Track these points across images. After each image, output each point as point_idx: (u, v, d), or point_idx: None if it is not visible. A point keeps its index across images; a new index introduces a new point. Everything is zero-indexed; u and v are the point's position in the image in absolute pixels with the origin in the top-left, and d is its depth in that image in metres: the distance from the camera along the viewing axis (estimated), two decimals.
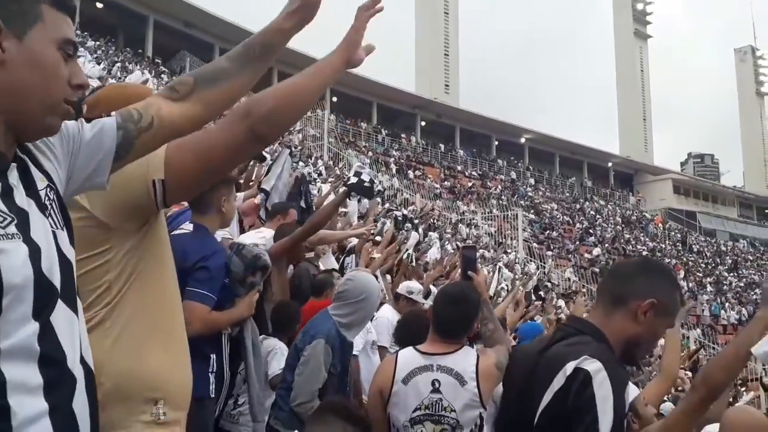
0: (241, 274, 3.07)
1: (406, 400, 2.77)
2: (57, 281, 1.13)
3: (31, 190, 1.15)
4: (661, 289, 1.83)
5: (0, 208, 1.07)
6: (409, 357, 2.87)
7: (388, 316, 5.27)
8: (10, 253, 1.04)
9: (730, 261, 40.50)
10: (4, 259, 1.03)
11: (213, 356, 2.84)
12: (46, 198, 1.18)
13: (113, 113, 1.39)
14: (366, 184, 4.40)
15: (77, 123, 1.31)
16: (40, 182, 1.19)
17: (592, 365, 1.66)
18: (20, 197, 1.11)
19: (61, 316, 1.13)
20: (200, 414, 2.70)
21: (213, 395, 2.83)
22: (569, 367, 1.67)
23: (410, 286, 5.55)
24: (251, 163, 6.49)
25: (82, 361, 1.17)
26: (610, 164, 51.74)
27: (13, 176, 1.12)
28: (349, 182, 4.47)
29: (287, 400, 3.35)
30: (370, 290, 3.60)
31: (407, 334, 3.51)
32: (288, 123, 1.64)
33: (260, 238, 4.26)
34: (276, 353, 3.88)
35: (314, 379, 3.32)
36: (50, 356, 1.09)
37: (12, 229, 1.07)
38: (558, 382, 1.68)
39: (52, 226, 1.17)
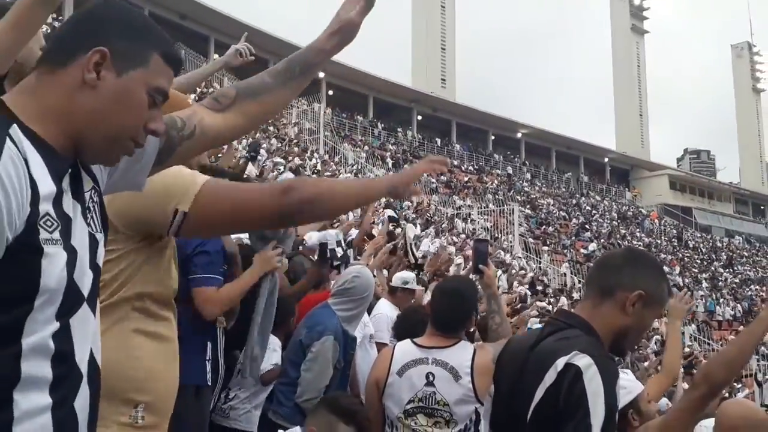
0: None
1: (401, 393, 2.77)
2: (85, 287, 1.17)
3: (78, 193, 1.20)
4: (648, 280, 1.83)
5: (50, 213, 1.10)
6: (405, 349, 2.87)
7: (386, 311, 5.20)
8: (52, 258, 1.09)
9: (725, 257, 40.64)
10: (46, 263, 1.08)
11: (209, 344, 2.79)
12: (90, 200, 1.24)
13: None
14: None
15: None
16: (87, 184, 1.24)
17: (583, 360, 1.65)
18: (68, 202, 1.15)
19: (80, 316, 1.17)
20: (198, 402, 2.71)
21: (210, 384, 2.80)
22: (560, 362, 1.67)
23: (404, 276, 5.51)
24: (241, 160, 6.42)
25: (92, 359, 1.20)
26: (606, 160, 51.86)
27: (66, 181, 1.16)
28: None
29: (289, 396, 3.33)
30: (372, 287, 3.71)
31: (406, 328, 3.52)
32: (316, 218, 1.77)
33: None
34: (269, 349, 3.83)
35: (323, 376, 3.33)
36: (62, 354, 1.12)
37: (57, 234, 1.10)
38: (549, 378, 1.68)
39: (91, 230, 1.22)
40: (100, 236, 1.25)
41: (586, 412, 1.59)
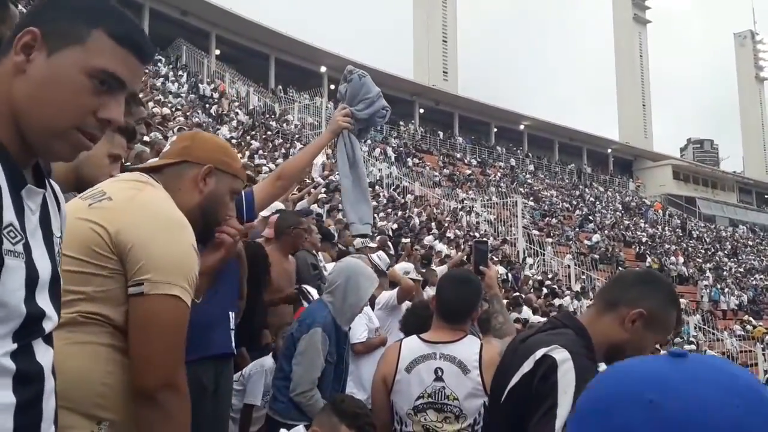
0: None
1: (409, 389, 2.76)
2: (50, 308, 1.11)
3: (46, 222, 1.14)
4: (654, 302, 1.83)
5: (14, 225, 1.04)
6: (412, 345, 2.86)
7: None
8: (12, 271, 1.02)
9: (729, 246, 40.53)
10: (5, 276, 1.01)
11: (231, 314, 2.82)
12: (58, 245, 1.18)
13: None
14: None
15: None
16: (57, 229, 1.18)
17: (560, 354, 1.68)
18: (34, 220, 1.10)
19: (43, 340, 1.12)
20: (225, 371, 2.73)
21: (234, 352, 2.83)
22: (539, 353, 1.71)
23: (404, 267, 5.67)
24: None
25: (53, 366, 1.16)
26: (609, 150, 51.68)
27: (31, 198, 1.10)
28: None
29: (284, 391, 3.33)
30: (350, 274, 3.52)
31: (414, 323, 3.52)
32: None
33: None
34: (256, 376, 3.88)
35: (313, 368, 3.30)
36: (26, 373, 1.06)
37: (20, 248, 1.04)
38: (527, 365, 1.73)
39: (55, 245, 1.15)
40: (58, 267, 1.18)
41: (554, 403, 1.61)
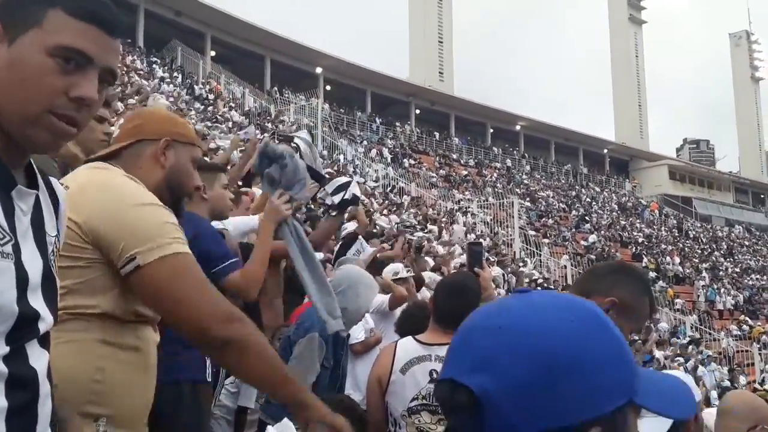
0: (257, 168, 3.04)
1: (404, 390, 2.75)
2: (44, 309, 1.10)
3: (38, 218, 1.12)
4: (626, 290, 1.84)
5: (2, 225, 1.03)
6: (407, 347, 2.85)
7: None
8: (1, 273, 1.01)
9: (725, 246, 40.63)
10: None
11: None
12: (53, 245, 1.16)
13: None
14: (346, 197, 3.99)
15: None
16: (51, 228, 1.16)
17: None
18: (25, 221, 1.08)
19: (37, 342, 1.10)
20: (194, 399, 2.59)
21: (210, 380, 2.71)
22: None
23: (393, 268, 5.65)
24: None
25: (48, 369, 1.15)
26: (605, 151, 51.81)
27: (23, 199, 1.08)
28: (334, 204, 4.06)
29: None
30: (351, 280, 3.52)
31: (409, 324, 3.50)
32: (226, 363, 1.74)
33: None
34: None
35: (309, 373, 3.28)
36: (19, 379, 1.05)
37: (8, 248, 1.03)
38: None
39: (48, 246, 1.14)
40: (57, 244, 1.18)
41: None
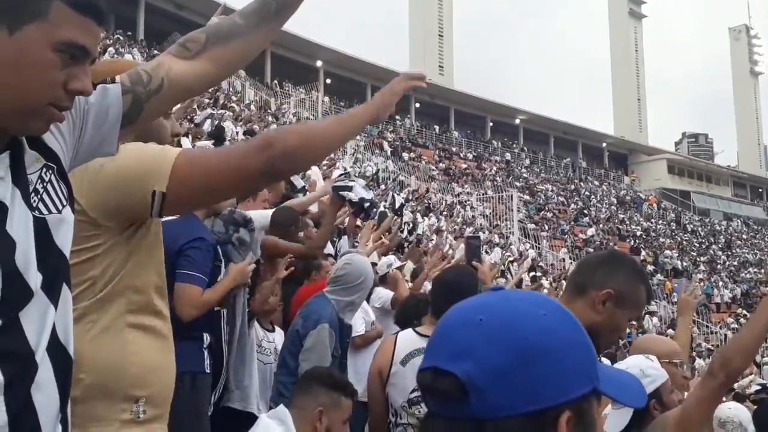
0: (224, 234, 3.07)
1: (405, 382, 2.79)
2: (33, 279, 1.07)
3: (19, 176, 1.09)
4: (621, 280, 1.84)
5: None
6: (408, 338, 2.90)
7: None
8: None
9: (723, 240, 40.66)
10: None
11: (205, 335, 2.81)
12: (39, 181, 1.13)
13: (118, 77, 1.32)
14: (361, 201, 4.12)
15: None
16: (34, 164, 1.13)
17: None
18: (3, 188, 1.06)
19: (32, 310, 1.07)
20: (194, 391, 2.69)
21: (208, 370, 2.80)
22: None
23: (387, 260, 5.71)
24: None
25: (57, 347, 1.13)
26: (604, 144, 51.69)
27: (2, 167, 1.07)
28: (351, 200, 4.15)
29: (290, 387, 3.33)
30: (367, 273, 3.64)
31: (408, 316, 3.55)
32: (307, 164, 1.63)
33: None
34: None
35: (322, 364, 3.30)
36: (10, 352, 1.04)
37: None
38: None
39: (40, 213, 1.11)
40: (57, 217, 1.14)
41: None
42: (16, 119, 1.07)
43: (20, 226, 1.06)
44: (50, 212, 1.13)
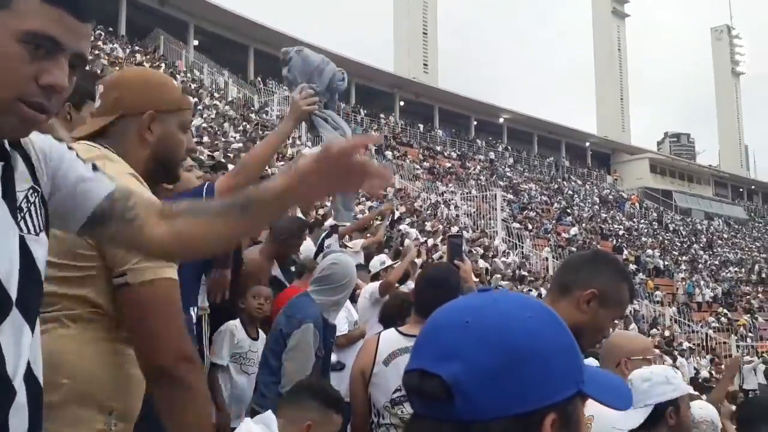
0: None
1: (387, 382, 2.78)
2: (13, 291, 1.05)
3: (7, 191, 1.08)
4: (604, 280, 1.85)
5: None
6: (390, 338, 2.88)
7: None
8: None
9: (705, 239, 41.08)
10: None
11: (192, 309, 2.63)
12: (25, 201, 1.11)
13: (111, 175, 1.30)
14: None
15: (69, 151, 1.24)
16: (22, 184, 1.12)
17: None
18: None
19: (9, 326, 1.05)
20: None
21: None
22: None
23: (380, 258, 5.79)
24: None
25: (29, 374, 1.09)
26: (587, 144, 52.09)
27: None
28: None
29: (272, 387, 3.31)
30: (352, 274, 3.65)
31: (392, 315, 3.54)
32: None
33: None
34: (221, 335, 3.82)
35: (306, 364, 3.31)
36: None
37: None
38: None
39: (23, 230, 1.10)
40: (35, 238, 1.12)
41: None
42: None
43: (6, 239, 1.06)
44: (29, 232, 1.11)
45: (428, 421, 0.78)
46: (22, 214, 1.10)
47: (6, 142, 1.11)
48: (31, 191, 1.14)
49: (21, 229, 1.09)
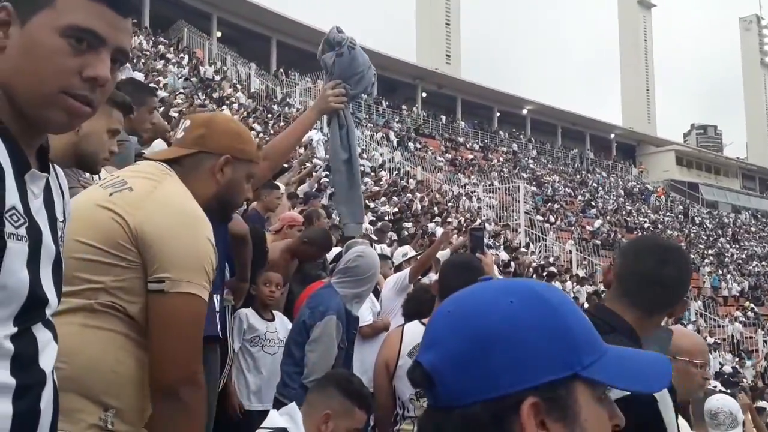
0: (319, 52, 2.90)
1: None
2: (52, 293, 1.12)
3: (48, 201, 1.14)
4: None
5: (17, 208, 1.04)
6: (414, 330, 2.88)
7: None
8: (14, 255, 1.02)
9: (731, 233, 40.52)
10: (7, 258, 1.01)
11: (216, 296, 2.63)
12: (60, 214, 1.19)
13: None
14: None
15: None
16: (59, 197, 1.19)
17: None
18: (37, 204, 1.10)
19: (44, 326, 1.12)
20: (210, 355, 2.56)
21: (221, 335, 2.72)
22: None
23: (402, 250, 5.79)
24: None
25: (52, 375, 1.16)
26: (612, 136, 51.56)
27: (35, 182, 1.10)
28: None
29: (295, 377, 3.32)
30: (377, 267, 3.67)
31: (415, 307, 3.54)
32: None
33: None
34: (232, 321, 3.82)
35: (329, 356, 3.31)
36: (24, 358, 1.06)
37: (23, 231, 1.05)
38: None
39: (59, 229, 1.17)
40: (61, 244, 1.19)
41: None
42: (34, 108, 1.08)
43: (46, 243, 1.11)
44: (61, 226, 1.18)
45: (430, 410, 0.81)
46: (58, 228, 1.17)
47: (51, 160, 1.17)
48: (62, 223, 1.20)
49: (56, 242, 1.15)
